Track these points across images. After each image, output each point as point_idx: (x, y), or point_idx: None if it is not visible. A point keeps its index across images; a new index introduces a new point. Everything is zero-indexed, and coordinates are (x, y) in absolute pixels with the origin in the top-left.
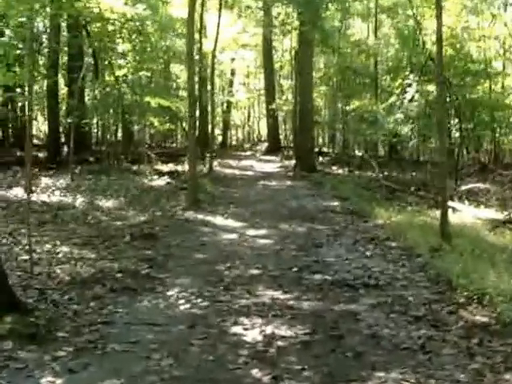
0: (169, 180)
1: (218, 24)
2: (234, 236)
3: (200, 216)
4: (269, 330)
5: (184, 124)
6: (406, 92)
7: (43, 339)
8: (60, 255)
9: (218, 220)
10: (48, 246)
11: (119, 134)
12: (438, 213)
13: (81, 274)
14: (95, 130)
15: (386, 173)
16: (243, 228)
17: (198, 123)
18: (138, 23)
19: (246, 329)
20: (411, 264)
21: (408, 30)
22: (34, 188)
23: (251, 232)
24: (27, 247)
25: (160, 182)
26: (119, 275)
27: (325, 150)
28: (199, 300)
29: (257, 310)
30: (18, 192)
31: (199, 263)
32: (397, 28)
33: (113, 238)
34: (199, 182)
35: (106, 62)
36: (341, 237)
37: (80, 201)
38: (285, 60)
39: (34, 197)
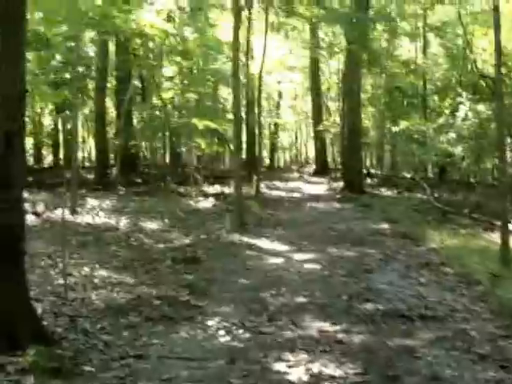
0: (215, 202)
1: (264, 46)
2: (280, 260)
3: (245, 239)
4: (315, 368)
5: (231, 146)
6: (457, 111)
7: (68, 374)
8: (97, 280)
9: (264, 243)
10: (86, 270)
11: (167, 156)
12: (494, 236)
13: (116, 300)
14: (144, 152)
15: (436, 194)
16: (290, 252)
17: (245, 145)
18: (181, 44)
19: (290, 366)
20: (470, 293)
21: (457, 48)
22: (79, 209)
23: (298, 256)
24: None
25: (206, 203)
26: (157, 302)
27: (372, 171)
28: (240, 331)
29: (303, 343)
30: (64, 213)
31: (243, 289)
32: (445, 47)
33: (154, 261)
34: (246, 204)
35: (153, 85)
36: (392, 262)
37: (124, 222)
38: (332, 82)
39: (78, 218)
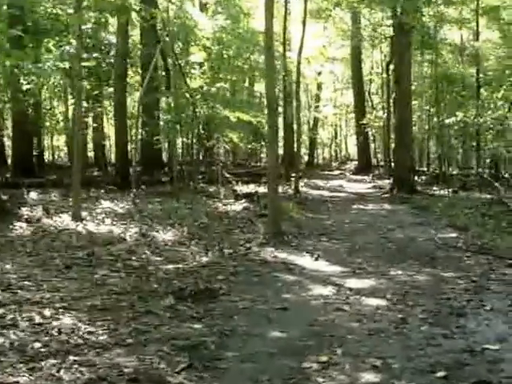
0: (246, 204)
1: (303, 35)
2: (328, 291)
3: (282, 255)
4: None
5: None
6: None
7: None
8: (52, 335)
9: (306, 261)
10: (46, 314)
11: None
12: None
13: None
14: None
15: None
16: (340, 275)
17: (282, 141)
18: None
19: None
20: None
21: None
22: (85, 213)
23: (352, 283)
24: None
25: (236, 206)
26: None
27: (417, 168)
28: None
29: None
30: (65, 219)
31: (275, 353)
32: (501, 30)
33: (151, 295)
34: (283, 207)
35: (179, 73)
36: (486, 294)
37: (133, 231)
38: (374, 72)
39: (79, 226)
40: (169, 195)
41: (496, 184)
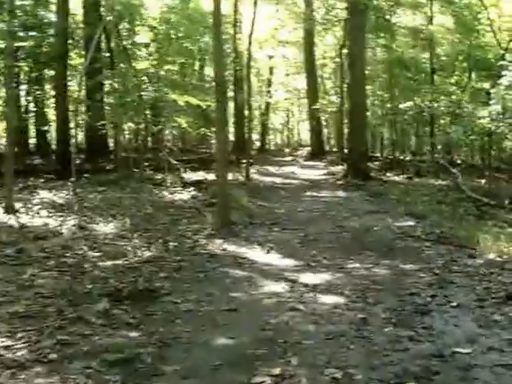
0: (195, 192)
1: (254, 16)
2: (281, 287)
3: (231, 247)
4: None
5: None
6: (499, 78)
7: None
8: None
9: (257, 254)
10: None
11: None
12: None
13: None
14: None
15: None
16: (294, 269)
17: (233, 126)
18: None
19: None
20: None
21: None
22: (19, 205)
23: (307, 278)
24: None
25: (184, 195)
26: None
27: (370, 154)
28: None
29: None
30: None
31: (220, 365)
32: (455, 16)
33: (83, 299)
34: (233, 195)
35: (123, 53)
36: (449, 288)
37: (70, 224)
38: (327, 57)
39: (11, 219)
40: (113, 184)
41: (453, 170)
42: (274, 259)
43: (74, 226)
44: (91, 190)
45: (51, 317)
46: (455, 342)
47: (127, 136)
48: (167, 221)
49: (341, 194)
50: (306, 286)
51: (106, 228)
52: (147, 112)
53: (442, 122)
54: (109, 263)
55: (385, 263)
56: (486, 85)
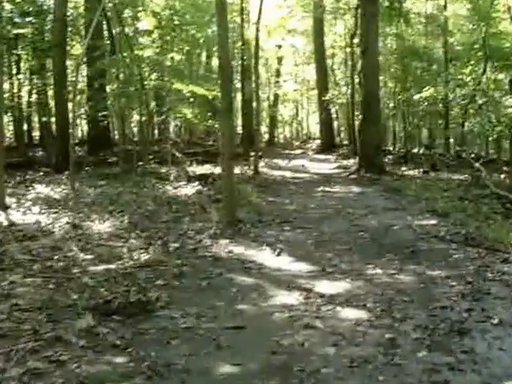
0: (200, 187)
1: (261, 5)
2: (294, 298)
3: (238, 249)
4: None
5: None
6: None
7: None
8: None
9: (267, 257)
10: None
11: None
12: None
13: None
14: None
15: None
16: (308, 276)
17: (241, 118)
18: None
19: None
20: None
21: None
22: (13, 200)
23: (323, 286)
24: None
25: (188, 189)
26: None
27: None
28: None
29: None
30: None
31: None
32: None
33: (65, 313)
34: (241, 190)
35: (124, 40)
36: (487, 300)
37: (63, 222)
38: (337, 46)
39: (1, 216)
40: (114, 178)
41: (477, 164)
42: (286, 263)
43: (67, 223)
44: (90, 184)
45: (25, 336)
46: (504, 372)
47: (133, 127)
48: (169, 218)
49: (355, 189)
50: (322, 296)
51: (101, 226)
52: (152, 102)
53: (456, 113)
54: (101, 268)
55: (409, 269)
56: (501, 75)
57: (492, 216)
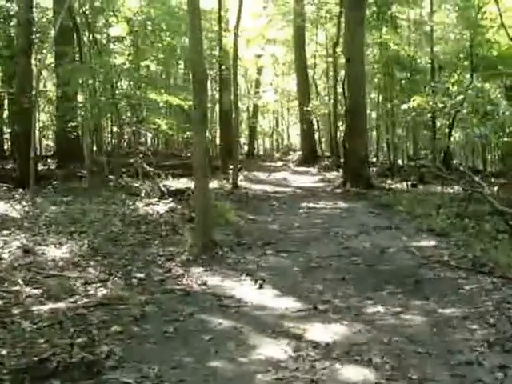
0: (173, 204)
1: (240, 7)
2: (281, 350)
3: (213, 280)
4: None
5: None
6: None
7: None
8: None
9: (247, 290)
10: None
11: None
12: None
13: None
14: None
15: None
16: (297, 316)
17: (219, 130)
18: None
19: None
20: None
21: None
22: None
23: (316, 331)
24: None
25: (161, 207)
26: None
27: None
28: None
29: None
30: None
31: None
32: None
33: None
34: (218, 206)
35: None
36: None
37: (15, 246)
38: (318, 55)
39: None
40: (83, 193)
41: (476, 178)
42: (269, 298)
43: (18, 248)
44: (54, 201)
45: None
46: None
47: (104, 138)
48: (136, 241)
49: (341, 204)
50: (315, 346)
51: (57, 252)
52: (127, 112)
53: (442, 123)
54: (47, 307)
55: (416, 305)
56: (487, 85)
57: (497, 236)
